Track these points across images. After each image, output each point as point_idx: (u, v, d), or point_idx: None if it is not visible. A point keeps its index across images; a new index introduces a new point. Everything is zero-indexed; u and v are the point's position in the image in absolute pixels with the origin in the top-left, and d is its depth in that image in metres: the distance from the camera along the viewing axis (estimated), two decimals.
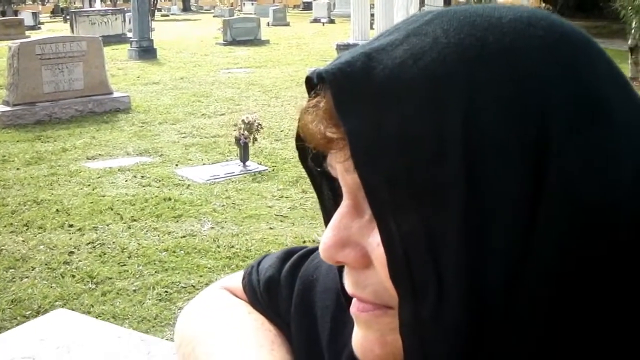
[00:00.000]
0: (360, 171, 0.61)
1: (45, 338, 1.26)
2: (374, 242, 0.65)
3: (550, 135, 0.59)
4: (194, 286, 5.24)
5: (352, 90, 0.63)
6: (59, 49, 11.71)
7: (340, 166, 0.67)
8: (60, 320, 1.27)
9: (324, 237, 0.69)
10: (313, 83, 0.70)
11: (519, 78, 0.60)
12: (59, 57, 11.70)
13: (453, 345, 0.61)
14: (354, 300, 0.71)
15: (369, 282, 0.67)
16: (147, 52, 19.38)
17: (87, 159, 9.13)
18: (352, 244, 0.68)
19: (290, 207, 7.06)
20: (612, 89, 0.63)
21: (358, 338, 0.72)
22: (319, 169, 0.77)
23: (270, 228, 6.50)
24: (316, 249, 1.01)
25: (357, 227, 0.67)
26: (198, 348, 1.01)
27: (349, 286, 0.71)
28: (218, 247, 6.05)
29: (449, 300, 0.59)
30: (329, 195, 0.80)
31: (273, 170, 8.40)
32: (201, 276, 5.42)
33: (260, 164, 8.63)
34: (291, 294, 0.99)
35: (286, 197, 7.37)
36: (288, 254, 1.05)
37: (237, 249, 5.98)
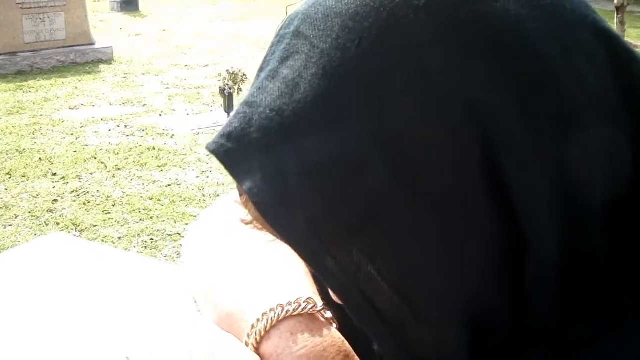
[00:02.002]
0: (277, 230, 0.55)
1: (42, 261, 1.22)
2: None
3: (483, 118, 0.52)
4: (179, 234, 5.21)
5: (237, 150, 0.56)
6: None
7: None
8: (56, 243, 1.24)
9: None
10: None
11: (420, 56, 0.52)
12: (40, 7, 11.49)
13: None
14: None
15: None
16: (129, 3, 19.08)
17: (70, 108, 9.02)
18: None
19: None
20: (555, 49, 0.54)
21: None
22: None
23: None
24: None
25: None
26: (214, 263, 0.96)
27: None
28: (203, 195, 6.02)
29: (428, 321, 0.56)
30: None
31: None
32: (187, 224, 5.39)
33: None
34: None
35: None
36: None
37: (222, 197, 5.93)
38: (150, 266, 1.17)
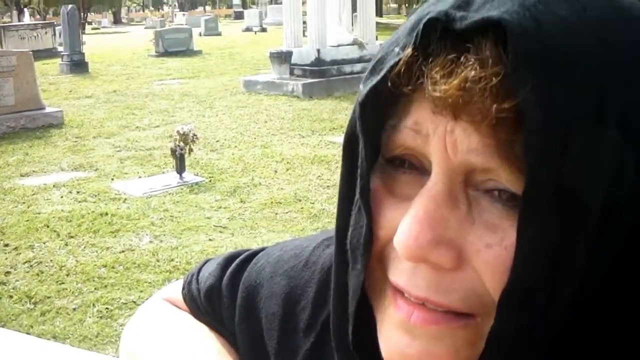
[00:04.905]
0: (532, 159, 0.51)
1: None
2: (479, 243, 0.55)
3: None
4: (134, 302, 5.19)
5: (530, 49, 0.51)
6: None
7: (449, 140, 0.55)
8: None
9: (415, 231, 0.55)
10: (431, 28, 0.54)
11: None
12: None
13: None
14: (408, 309, 0.59)
15: (458, 286, 0.56)
16: (78, 65, 19.14)
17: (21, 176, 8.98)
18: (447, 241, 0.55)
19: (228, 218, 7.03)
20: None
21: (417, 352, 0.59)
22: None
23: (210, 239, 6.48)
24: (259, 251, 0.99)
25: (455, 222, 0.56)
26: None
27: (423, 289, 0.58)
28: (157, 261, 6.00)
29: (555, 312, 0.53)
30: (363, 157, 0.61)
31: (210, 181, 8.36)
32: (142, 291, 5.37)
33: (197, 175, 8.59)
34: (234, 302, 0.95)
35: (224, 208, 7.33)
36: (229, 260, 1.01)
37: (176, 262, 5.94)
38: None
